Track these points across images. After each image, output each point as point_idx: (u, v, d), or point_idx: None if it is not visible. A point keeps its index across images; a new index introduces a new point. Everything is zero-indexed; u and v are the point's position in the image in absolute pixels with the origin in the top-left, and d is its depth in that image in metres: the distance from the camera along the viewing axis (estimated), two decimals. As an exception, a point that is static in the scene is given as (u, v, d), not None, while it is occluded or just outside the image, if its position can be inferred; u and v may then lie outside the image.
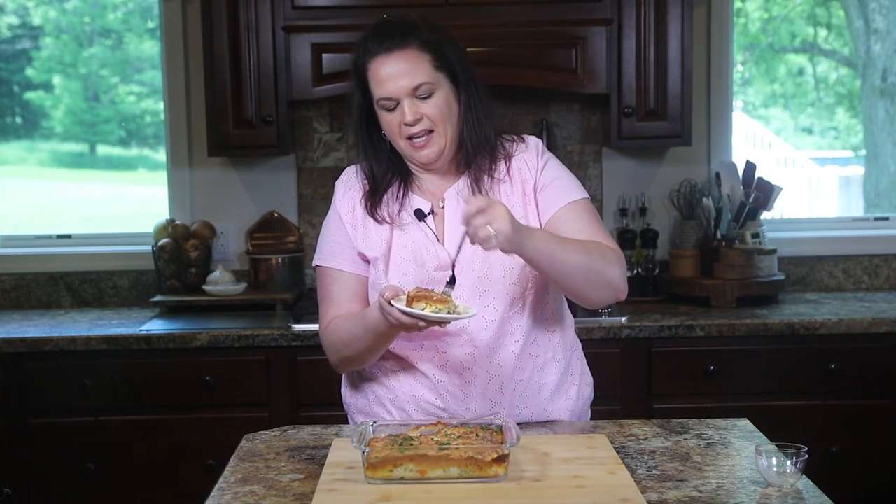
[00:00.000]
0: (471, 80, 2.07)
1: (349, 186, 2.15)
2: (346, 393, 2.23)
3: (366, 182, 2.12)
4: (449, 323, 1.87)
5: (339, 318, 2.08)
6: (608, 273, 1.98)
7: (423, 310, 1.81)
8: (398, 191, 2.10)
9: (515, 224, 1.83)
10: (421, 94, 2.01)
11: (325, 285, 2.14)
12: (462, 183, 2.09)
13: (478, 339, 2.04)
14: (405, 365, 2.08)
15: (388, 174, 2.10)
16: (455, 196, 2.08)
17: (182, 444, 3.32)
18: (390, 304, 1.84)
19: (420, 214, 2.08)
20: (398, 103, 2.01)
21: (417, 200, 2.10)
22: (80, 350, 3.30)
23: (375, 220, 2.09)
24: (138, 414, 3.33)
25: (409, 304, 1.82)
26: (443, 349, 2.05)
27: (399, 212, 2.09)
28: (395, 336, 2.00)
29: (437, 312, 1.81)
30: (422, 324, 1.85)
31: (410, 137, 2.03)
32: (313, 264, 2.17)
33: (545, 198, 2.09)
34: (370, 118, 2.08)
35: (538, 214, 2.09)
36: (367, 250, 2.09)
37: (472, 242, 1.84)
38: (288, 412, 3.31)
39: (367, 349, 2.03)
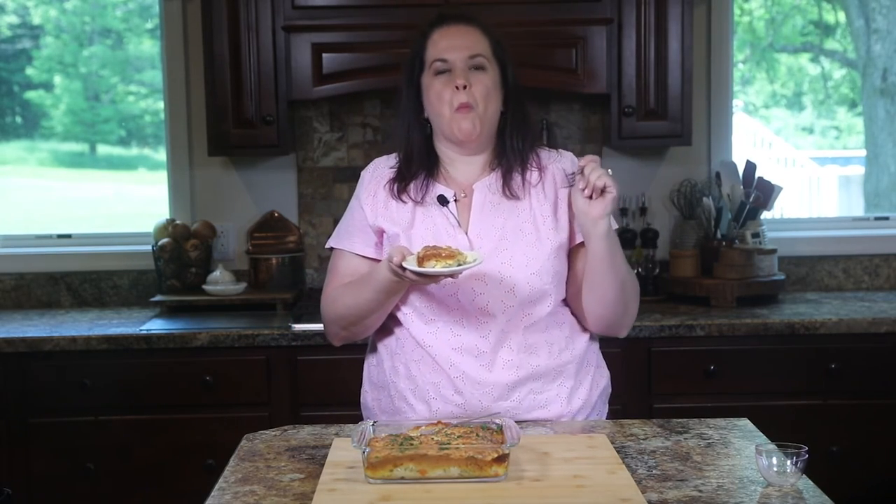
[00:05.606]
0: (518, 86, 2.18)
1: (375, 175, 2.21)
2: (368, 397, 2.24)
3: (392, 170, 2.18)
4: (461, 273, 1.94)
5: (342, 286, 2.14)
6: (633, 304, 2.15)
7: (433, 267, 1.88)
8: (424, 179, 2.16)
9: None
10: (474, 64, 2.10)
11: (334, 262, 2.21)
12: (493, 178, 2.15)
13: (492, 324, 2.07)
14: (423, 354, 2.10)
15: (419, 162, 2.15)
16: (485, 189, 2.14)
17: (182, 444, 3.32)
18: (402, 268, 1.89)
19: (443, 200, 2.13)
20: (450, 70, 2.09)
21: (441, 188, 2.15)
22: (80, 350, 3.30)
23: (400, 200, 2.14)
24: (138, 414, 3.33)
25: (419, 264, 1.89)
26: (458, 332, 2.08)
27: (423, 197, 2.14)
28: (403, 290, 2.07)
29: (447, 267, 1.88)
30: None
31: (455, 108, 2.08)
32: (326, 246, 2.24)
33: None
34: (419, 100, 2.15)
35: (569, 223, 2.14)
36: (386, 224, 2.13)
37: (591, 196, 1.97)
38: (288, 412, 3.31)
39: (375, 307, 2.08)
